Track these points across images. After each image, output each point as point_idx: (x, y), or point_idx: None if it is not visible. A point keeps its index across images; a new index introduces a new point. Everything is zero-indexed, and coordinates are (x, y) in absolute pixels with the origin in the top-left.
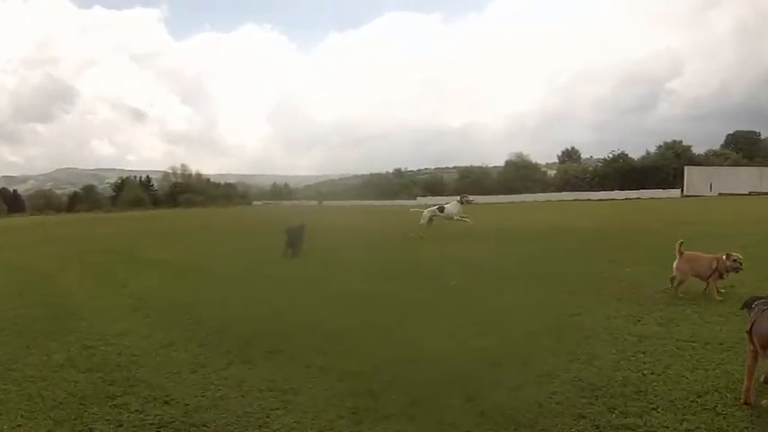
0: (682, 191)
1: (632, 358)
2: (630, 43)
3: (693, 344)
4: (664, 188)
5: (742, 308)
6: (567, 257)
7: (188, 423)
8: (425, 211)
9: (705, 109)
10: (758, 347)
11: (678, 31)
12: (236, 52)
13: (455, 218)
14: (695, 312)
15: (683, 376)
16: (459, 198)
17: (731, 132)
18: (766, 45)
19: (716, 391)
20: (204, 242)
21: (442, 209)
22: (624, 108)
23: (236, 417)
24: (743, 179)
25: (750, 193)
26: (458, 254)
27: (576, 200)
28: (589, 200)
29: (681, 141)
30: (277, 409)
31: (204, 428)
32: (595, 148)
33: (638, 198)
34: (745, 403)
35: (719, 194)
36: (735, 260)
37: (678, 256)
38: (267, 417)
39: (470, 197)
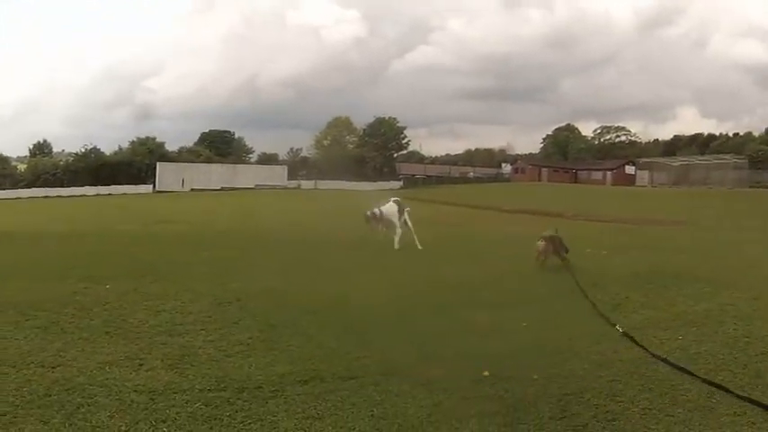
0: (154, 186)
1: None
2: (112, 40)
3: (222, 393)
4: (136, 184)
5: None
6: (29, 276)
7: None
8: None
9: (183, 108)
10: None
11: (164, 32)
12: None
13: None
14: (209, 343)
15: None
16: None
17: (206, 131)
18: (248, 53)
19: None
20: None
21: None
22: (100, 103)
23: None
24: (215, 175)
25: (222, 189)
26: None
27: (46, 196)
28: (60, 196)
29: (155, 138)
30: None
31: None
32: (69, 142)
33: (110, 194)
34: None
35: (192, 190)
36: None
37: None
38: None
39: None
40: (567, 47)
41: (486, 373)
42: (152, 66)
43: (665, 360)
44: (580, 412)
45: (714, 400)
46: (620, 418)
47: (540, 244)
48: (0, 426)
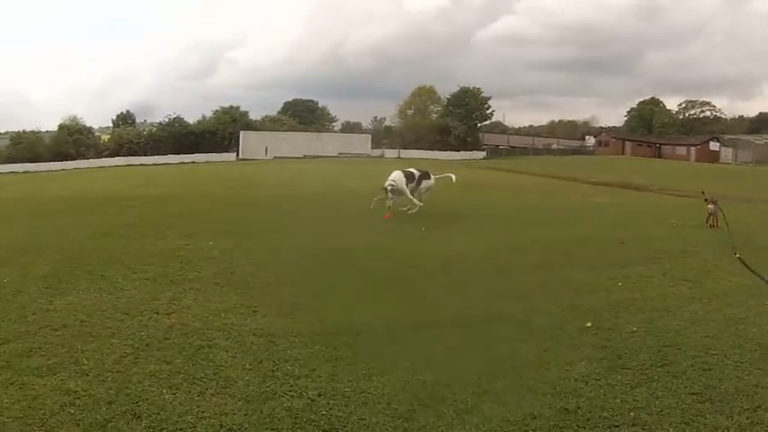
0: (237, 154)
1: (279, 375)
2: (195, 12)
3: (340, 337)
4: (219, 152)
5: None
6: (129, 234)
7: None
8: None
9: (265, 78)
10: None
11: (247, 1)
12: None
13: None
14: (319, 293)
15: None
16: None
17: (289, 100)
18: (332, 23)
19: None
20: None
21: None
22: (183, 74)
23: None
24: (298, 143)
25: (305, 157)
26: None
27: (129, 165)
28: (143, 164)
29: (238, 107)
30: None
31: None
32: (152, 113)
33: (194, 162)
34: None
35: (275, 158)
36: None
37: None
38: None
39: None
40: (653, 17)
41: (588, 324)
42: (236, 36)
43: None
44: (678, 361)
45: None
46: (715, 369)
47: (711, 207)
48: (123, 365)
